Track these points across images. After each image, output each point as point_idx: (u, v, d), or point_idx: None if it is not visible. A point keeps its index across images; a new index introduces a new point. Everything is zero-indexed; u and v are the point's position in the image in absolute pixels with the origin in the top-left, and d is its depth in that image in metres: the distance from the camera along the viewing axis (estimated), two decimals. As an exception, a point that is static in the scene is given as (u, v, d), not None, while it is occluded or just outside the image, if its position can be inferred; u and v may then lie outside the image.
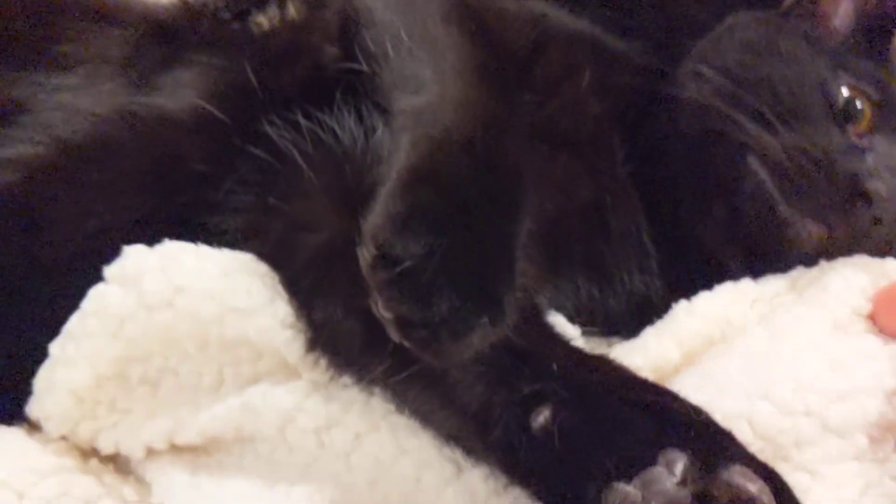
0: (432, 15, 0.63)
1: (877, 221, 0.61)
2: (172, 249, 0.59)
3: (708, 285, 0.63)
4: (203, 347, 0.58)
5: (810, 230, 0.61)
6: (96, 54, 0.72)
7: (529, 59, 0.69)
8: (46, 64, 0.71)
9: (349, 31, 0.65)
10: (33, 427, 0.62)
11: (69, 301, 0.59)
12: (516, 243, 0.51)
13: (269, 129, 0.64)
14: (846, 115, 0.65)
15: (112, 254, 0.59)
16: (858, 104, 0.66)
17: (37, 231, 0.62)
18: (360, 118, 0.62)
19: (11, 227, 0.62)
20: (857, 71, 0.68)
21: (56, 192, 0.64)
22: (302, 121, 0.63)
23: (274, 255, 0.60)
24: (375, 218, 0.48)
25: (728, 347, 0.59)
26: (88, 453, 0.61)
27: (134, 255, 0.58)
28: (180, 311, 0.56)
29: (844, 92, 0.66)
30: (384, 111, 0.60)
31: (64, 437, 0.60)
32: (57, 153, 0.65)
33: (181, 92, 0.69)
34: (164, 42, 0.75)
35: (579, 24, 0.76)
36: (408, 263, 0.46)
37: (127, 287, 0.57)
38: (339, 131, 0.63)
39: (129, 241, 0.60)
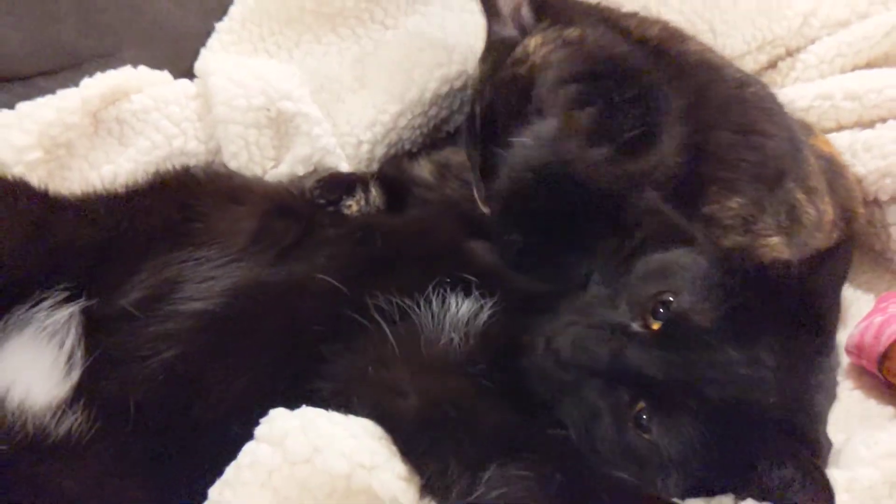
0: None
1: None
2: (309, 413, 0.73)
3: None
4: (331, 495, 0.71)
5: None
6: (228, 230, 0.88)
7: None
8: (188, 243, 0.86)
9: None
10: None
11: (222, 452, 0.72)
12: None
13: (369, 301, 0.79)
14: None
15: (254, 409, 0.73)
16: None
17: (194, 396, 0.77)
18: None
19: (175, 394, 0.77)
20: None
21: (206, 360, 0.79)
22: (395, 298, 0.78)
23: (377, 417, 0.74)
24: None
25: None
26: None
27: (279, 418, 0.72)
28: (317, 466, 0.69)
29: None
30: None
31: None
32: (204, 326, 0.80)
33: (304, 264, 0.85)
34: (284, 217, 0.91)
35: None
36: None
37: (274, 445, 0.70)
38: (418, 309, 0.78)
39: (264, 398, 0.75)
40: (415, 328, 0.78)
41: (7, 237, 0.82)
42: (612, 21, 0.97)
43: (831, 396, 0.78)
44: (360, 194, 0.97)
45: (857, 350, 0.95)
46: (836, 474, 0.75)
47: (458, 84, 1.11)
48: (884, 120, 1.14)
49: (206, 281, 0.84)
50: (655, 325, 0.74)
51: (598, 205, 0.82)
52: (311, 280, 0.83)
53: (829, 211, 0.97)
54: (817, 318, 0.76)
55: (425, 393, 0.74)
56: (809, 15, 1.32)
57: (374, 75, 1.11)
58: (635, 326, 0.75)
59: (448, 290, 0.81)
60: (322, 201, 0.97)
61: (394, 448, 0.73)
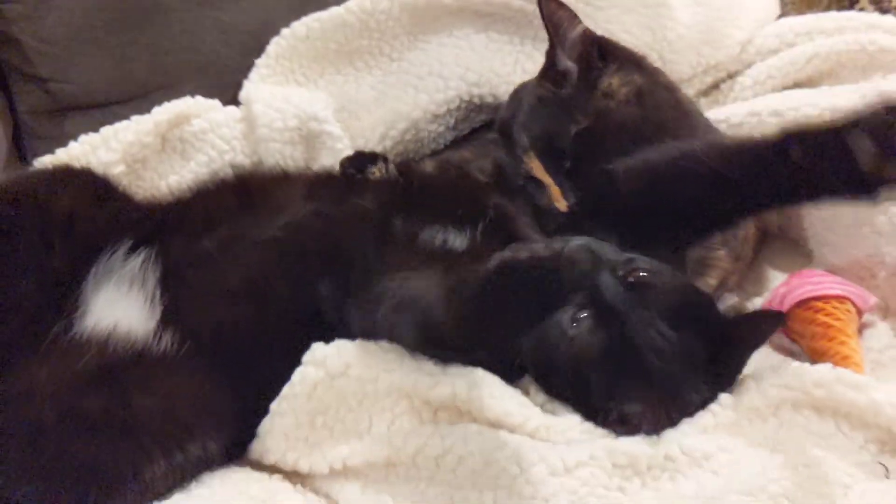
0: None
1: None
2: (341, 342, 0.94)
3: None
4: (362, 401, 0.93)
5: None
6: (283, 198, 1.11)
7: None
8: (250, 213, 1.09)
9: None
10: (254, 466, 0.97)
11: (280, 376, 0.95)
12: None
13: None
14: None
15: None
16: None
17: (260, 317, 1.00)
18: None
19: (245, 317, 1.00)
20: None
21: (272, 280, 1.02)
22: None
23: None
24: None
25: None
26: (293, 476, 0.95)
27: (319, 348, 0.94)
28: (351, 377, 0.92)
29: None
30: None
31: (273, 465, 0.94)
32: (269, 250, 1.03)
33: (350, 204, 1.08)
34: (327, 185, 1.15)
35: None
36: None
37: (317, 366, 0.92)
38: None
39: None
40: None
41: (79, 200, 1.07)
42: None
43: None
44: (381, 163, 1.17)
45: None
46: (725, 398, 0.92)
47: (453, 106, 1.34)
48: None
49: (269, 225, 1.05)
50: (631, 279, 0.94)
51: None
52: (354, 206, 1.06)
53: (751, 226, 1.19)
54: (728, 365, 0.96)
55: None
56: (747, 44, 1.49)
57: (384, 98, 1.34)
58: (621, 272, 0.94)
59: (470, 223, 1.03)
60: (352, 170, 1.18)
61: (405, 354, 0.94)
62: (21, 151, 1.36)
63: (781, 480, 0.84)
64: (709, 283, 1.13)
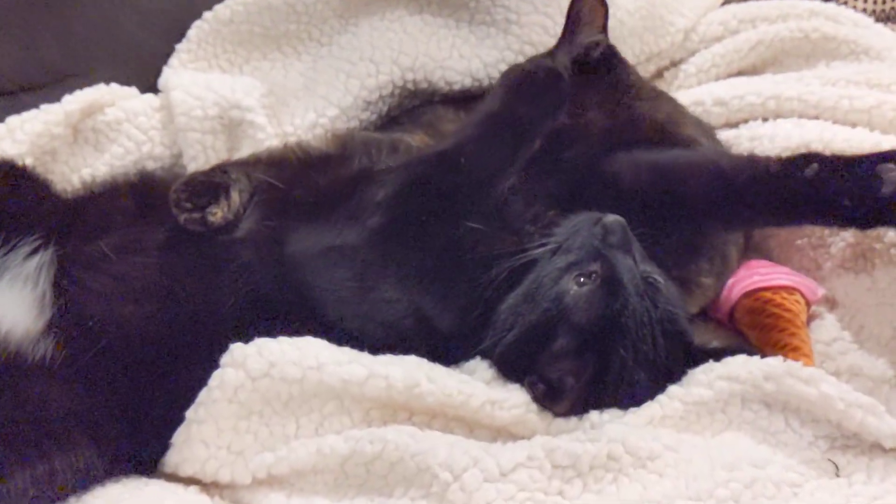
0: None
1: None
2: (261, 341, 0.88)
3: None
4: (288, 403, 0.87)
5: None
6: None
7: None
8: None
9: None
10: (169, 478, 0.89)
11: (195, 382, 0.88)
12: None
13: None
14: None
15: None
16: None
17: (164, 329, 0.93)
18: None
19: (145, 328, 0.92)
20: None
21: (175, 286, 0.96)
22: None
23: None
24: None
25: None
26: (212, 488, 0.88)
27: (238, 348, 0.87)
28: (275, 377, 0.85)
29: None
30: None
31: (191, 478, 0.88)
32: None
33: None
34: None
35: None
36: None
37: (237, 367, 0.86)
38: None
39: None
40: None
41: None
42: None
43: None
44: (223, 201, 1.01)
45: (713, 306, 1.12)
46: (674, 389, 0.90)
47: (385, 92, 1.28)
48: (745, 121, 1.29)
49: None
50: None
51: None
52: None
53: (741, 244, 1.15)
54: None
55: None
56: (690, 31, 1.49)
57: (313, 84, 1.28)
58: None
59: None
60: (189, 210, 1.00)
61: (333, 348, 0.88)
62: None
63: (730, 483, 0.80)
64: (689, 310, 1.07)
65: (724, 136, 1.28)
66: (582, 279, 0.90)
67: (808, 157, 0.93)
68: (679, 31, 1.48)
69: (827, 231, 1.14)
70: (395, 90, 1.30)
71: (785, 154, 0.99)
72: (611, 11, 1.37)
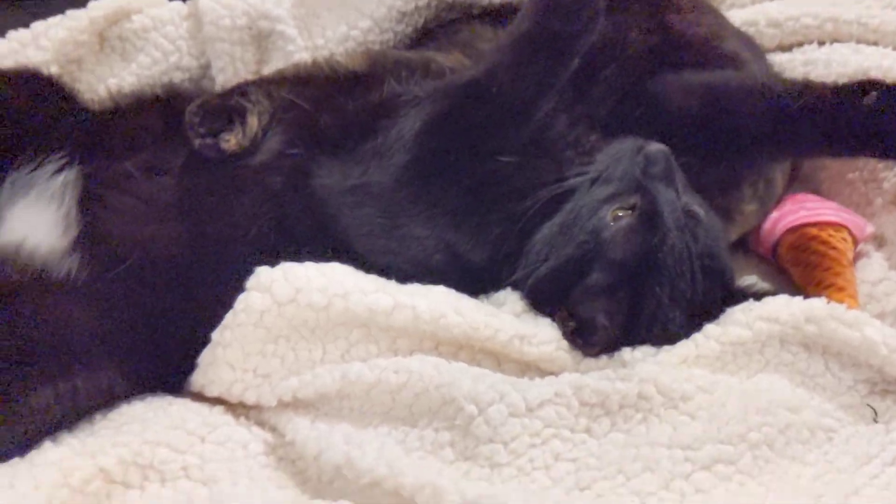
0: None
1: None
2: (287, 265, 0.86)
3: None
4: (314, 330, 0.86)
5: None
6: None
7: None
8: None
9: None
10: (194, 396, 0.90)
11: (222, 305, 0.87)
12: None
13: None
14: None
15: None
16: None
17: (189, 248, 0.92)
18: None
19: (171, 247, 0.92)
20: None
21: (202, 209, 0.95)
22: None
23: None
24: None
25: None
26: (237, 408, 0.89)
27: (264, 271, 0.86)
28: (300, 303, 0.83)
29: None
30: None
31: (218, 398, 0.88)
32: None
33: None
34: None
35: None
36: None
37: (263, 291, 0.84)
38: None
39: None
40: None
41: (16, 96, 0.99)
42: None
43: None
44: (238, 126, 0.98)
45: (756, 239, 1.09)
46: (711, 328, 0.87)
47: (421, 3, 1.22)
48: (800, 44, 1.24)
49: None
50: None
51: None
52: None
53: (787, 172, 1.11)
54: None
55: None
56: None
57: (347, -5, 1.23)
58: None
59: None
60: (204, 135, 0.98)
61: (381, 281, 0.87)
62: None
63: (763, 427, 0.79)
64: (728, 237, 1.04)
65: (776, 59, 1.23)
66: (620, 212, 0.86)
67: (867, 85, 0.89)
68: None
69: (881, 164, 1.09)
70: (432, 1, 1.24)
71: (841, 81, 0.95)
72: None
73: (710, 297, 0.88)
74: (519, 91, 0.91)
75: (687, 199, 0.89)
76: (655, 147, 0.88)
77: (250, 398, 0.87)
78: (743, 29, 1.25)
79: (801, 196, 1.10)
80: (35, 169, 0.93)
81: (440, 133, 0.92)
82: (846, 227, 1.03)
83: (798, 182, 1.15)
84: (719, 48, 1.08)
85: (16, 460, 0.78)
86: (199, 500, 0.76)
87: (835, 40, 1.21)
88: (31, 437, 0.80)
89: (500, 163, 0.91)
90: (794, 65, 1.20)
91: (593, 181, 0.90)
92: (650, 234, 0.85)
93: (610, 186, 0.88)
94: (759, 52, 1.17)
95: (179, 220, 0.93)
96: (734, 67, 1.05)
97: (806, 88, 0.93)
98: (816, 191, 1.14)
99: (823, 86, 0.92)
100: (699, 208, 0.89)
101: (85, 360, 0.85)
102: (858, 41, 1.20)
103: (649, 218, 0.85)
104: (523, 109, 0.92)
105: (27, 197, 0.92)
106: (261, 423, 0.88)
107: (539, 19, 0.92)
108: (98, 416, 0.85)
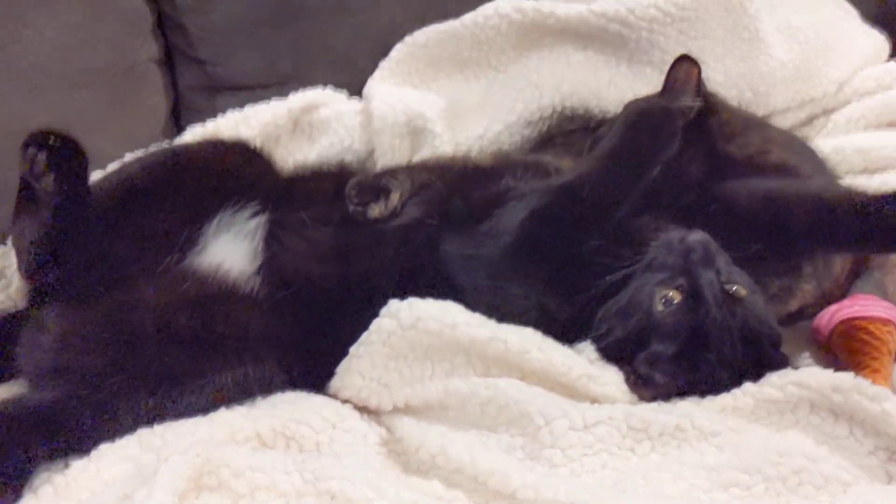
0: None
1: None
2: (412, 299, 1.09)
3: None
4: (426, 352, 1.09)
5: None
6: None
7: None
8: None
9: None
10: (330, 398, 1.13)
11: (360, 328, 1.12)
12: None
13: None
14: None
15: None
16: None
17: (342, 282, 1.18)
18: None
19: (328, 279, 1.18)
20: None
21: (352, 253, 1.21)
22: None
23: None
24: None
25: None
26: (362, 409, 1.11)
27: (395, 303, 1.10)
28: (419, 329, 1.06)
29: None
30: None
31: (347, 400, 1.11)
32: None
33: None
34: None
35: None
36: None
37: (391, 318, 1.08)
38: None
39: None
40: None
41: (232, 158, 1.29)
42: None
43: None
44: (382, 201, 1.22)
45: (815, 329, 1.23)
46: (748, 385, 1.01)
47: (546, 114, 1.48)
48: (883, 170, 1.38)
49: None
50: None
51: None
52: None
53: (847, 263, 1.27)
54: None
55: None
56: (844, 83, 1.57)
57: (486, 103, 1.50)
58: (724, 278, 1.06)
59: None
60: (356, 205, 1.23)
61: (468, 312, 1.08)
62: (177, 120, 1.58)
63: (779, 465, 0.93)
64: (788, 309, 1.22)
65: (858, 181, 1.36)
66: (669, 292, 1.05)
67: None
68: (832, 82, 1.57)
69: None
70: (555, 113, 1.49)
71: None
72: (763, 60, 1.51)
73: (751, 362, 1.05)
74: (606, 194, 1.13)
75: (729, 277, 1.06)
76: (695, 236, 1.07)
77: (373, 402, 1.09)
78: (831, 155, 1.39)
79: (860, 295, 1.24)
80: (237, 212, 1.22)
81: (538, 223, 1.13)
82: (893, 322, 1.17)
83: (863, 279, 1.29)
84: (765, 162, 1.26)
85: (199, 418, 1.04)
86: (327, 464, 0.96)
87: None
88: (212, 405, 1.07)
89: (589, 246, 1.12)
90: (871, 185, 1.32)
91: (647, 265, 1.09)
92: (696, 309, 1.04)
93: (661, 272, 1.07)
94: (808, 152, 1.34)
95: (334, 261, 1.19)
96: (783, 174, 1.24)
97: (848, 195, 1.11)
98: (881, 286, 1.27)
99: (864, 193, 1.11)
100: (742, 287, 1.07)
101: (256, 354, 1.11)
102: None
103: (693, 296, 1.04)
104: (609, 208, 1.13)
105: (228, 233, 1.21)
106: (378, 422, 1.10)
107: (628, 135, 1.15)
108: (259, 398, 1.10)
